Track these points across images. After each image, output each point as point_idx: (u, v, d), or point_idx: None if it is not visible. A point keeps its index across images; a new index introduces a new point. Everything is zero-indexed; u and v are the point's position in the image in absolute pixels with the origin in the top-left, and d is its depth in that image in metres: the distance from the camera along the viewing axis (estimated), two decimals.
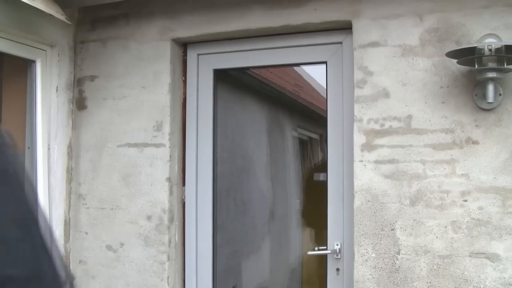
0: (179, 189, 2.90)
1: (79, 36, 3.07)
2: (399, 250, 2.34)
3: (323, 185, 2.66)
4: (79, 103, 3.05)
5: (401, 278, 2.33)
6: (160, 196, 2.80)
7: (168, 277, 2.78)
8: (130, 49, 2.94)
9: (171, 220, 2.81)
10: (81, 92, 3.04)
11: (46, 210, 2.89)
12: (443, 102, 2.33)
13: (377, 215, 2.39)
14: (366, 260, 2.39)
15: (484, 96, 2.21)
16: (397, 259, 2.34)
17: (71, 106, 3.05)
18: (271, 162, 3.58)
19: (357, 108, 2.46)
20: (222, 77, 3.00)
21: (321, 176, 3.31)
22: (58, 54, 2.95)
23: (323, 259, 2.64)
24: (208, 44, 2.90)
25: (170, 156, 2.84)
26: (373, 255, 2.38)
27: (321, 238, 2.66)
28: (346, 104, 2.59)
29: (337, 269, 2.59)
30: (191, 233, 2.89)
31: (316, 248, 2.64)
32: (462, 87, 2.31)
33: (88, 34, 3.05)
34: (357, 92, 2.47)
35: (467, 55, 2.16)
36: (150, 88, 2.87)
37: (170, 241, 2.79)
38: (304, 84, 3.65)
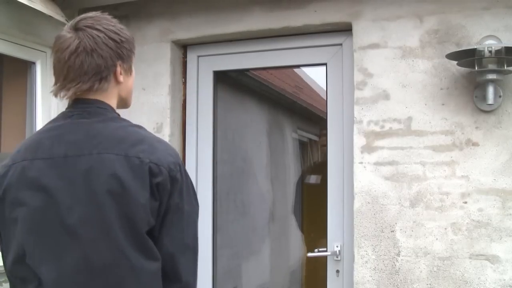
0: None
1: None
2: (399, 251, 2.34)
3: (323, 186, 2.66)
4: None
5: (401, 280, 2.32)
6: None
7: None
8: None
9: None
10: None
11: None
12: (443, 104, 2.33)
13: (377, 217, 2.38)
14: (366, 262, 2.39)
15: (484, 97, 2.21)
16: (397, 260, 2.34)
17: None
18: (271, 164, 3.58)
19: (357, 109, 2.46)
20: (222, 78, 3.00)
21: (314, 179, 3.32)
22: None
23: (323, 260, 2.64)
24: (208, 46, 2.90)
25: None
26: (373, 256, 2.38)
27: (321, 239, 2.66)
28: (346, 105, 2.59)
29: (337, 271, 2.59)
30: None
31: (316, 250, 2.64)
32: (462, 89, 2.31)
33: None
34: (357, 93, 2.46)
35: (467, 57, 2.16)
36: (150, 89, 2.87)
37: None
38: (304, 85, 3.65)
